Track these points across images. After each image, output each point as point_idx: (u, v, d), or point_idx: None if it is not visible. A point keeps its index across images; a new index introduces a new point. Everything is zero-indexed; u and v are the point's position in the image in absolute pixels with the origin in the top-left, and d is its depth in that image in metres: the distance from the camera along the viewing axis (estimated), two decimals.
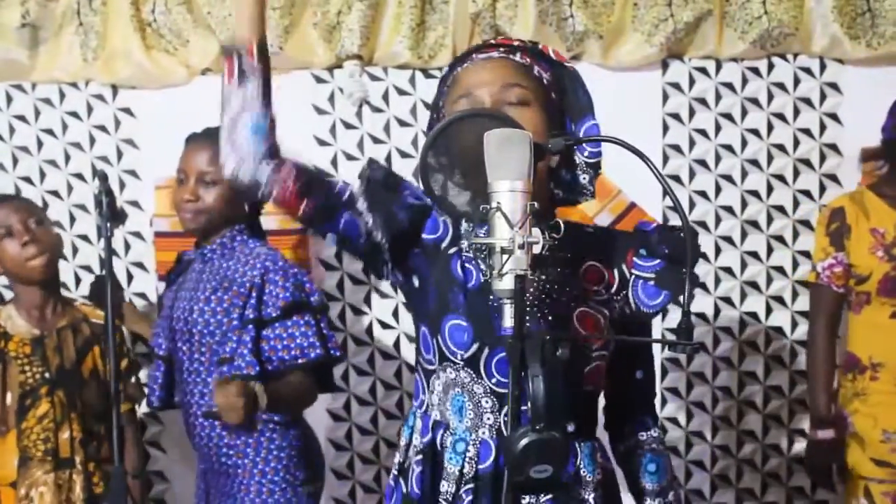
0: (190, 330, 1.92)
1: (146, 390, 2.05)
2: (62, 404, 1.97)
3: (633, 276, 1.29)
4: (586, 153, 1.24)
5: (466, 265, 1.25)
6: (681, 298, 1.00)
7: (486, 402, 1.23)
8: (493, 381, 1.22)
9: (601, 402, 1.36)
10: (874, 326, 2.12)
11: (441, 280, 1.26)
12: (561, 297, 1.25)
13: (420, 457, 1.28)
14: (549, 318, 1.23)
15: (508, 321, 0.96)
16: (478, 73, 1.23)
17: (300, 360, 1.89)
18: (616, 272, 1.30)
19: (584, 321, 1.24)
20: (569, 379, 1.20)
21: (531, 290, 1.23)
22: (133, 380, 2.19)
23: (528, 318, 1.21)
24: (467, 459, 1.22)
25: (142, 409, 2.30)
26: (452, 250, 1.27)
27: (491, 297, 1.20)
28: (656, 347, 2.63)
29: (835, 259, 2.14)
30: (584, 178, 1.27)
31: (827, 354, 2.18)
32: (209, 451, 1.97)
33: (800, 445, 2.75)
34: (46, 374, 1.97)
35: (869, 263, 2.09)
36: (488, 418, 1.23)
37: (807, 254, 2.59)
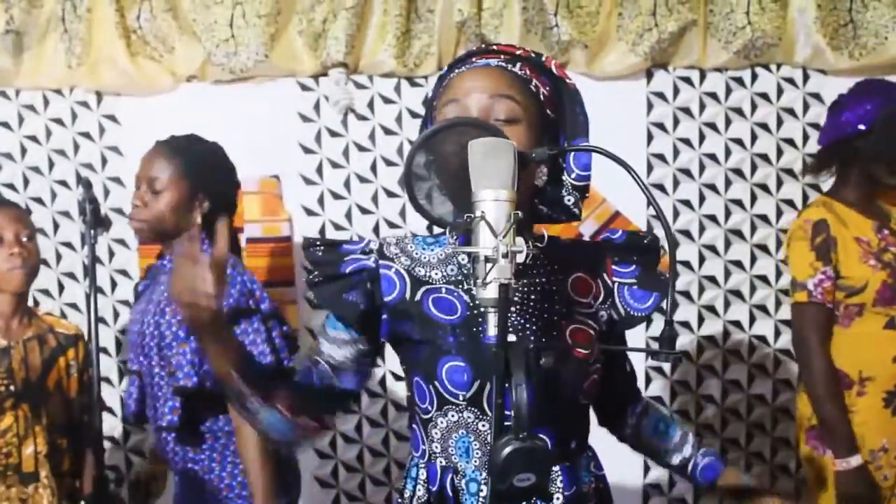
0: (158, 344, 1.87)
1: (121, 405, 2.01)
2: (26, 418, 1.92)
3: (615, 284, 1.30)
4: (574, 175, 1.21)
5: (445, 298, 1.23)
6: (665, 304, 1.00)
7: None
8: None
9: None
10: (865, 339, 2.02)
11: (424, 327, 1.23)
12: (551, 309, 1.24)
13: None
14: (539, 329, 1.22)
15: (492, 330, 0.95)
16: (470, 80, 1.18)
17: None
18: (599, 282, 1.30)
19: (576, 336, 1.23)
20: (569, 395, 1.22)
21: (519, 298, 1.23)
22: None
23: (518, 327, 1.21)
24: (480, 500, 1.20)
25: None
26: (419, 295, 1.24)
27: (481, 330, 1.20)
28: (640, 356, 2.65)
29: (824, 274, 2.02)
30: (570, 200, 1.23)
31: (834, 376, 2.03)
32: (176, 464, 1.93)
33: (783, 454, 2.76)
34: (12, 387, 1.91)
35: (863, 274, 1.99)
36: None
37: None
